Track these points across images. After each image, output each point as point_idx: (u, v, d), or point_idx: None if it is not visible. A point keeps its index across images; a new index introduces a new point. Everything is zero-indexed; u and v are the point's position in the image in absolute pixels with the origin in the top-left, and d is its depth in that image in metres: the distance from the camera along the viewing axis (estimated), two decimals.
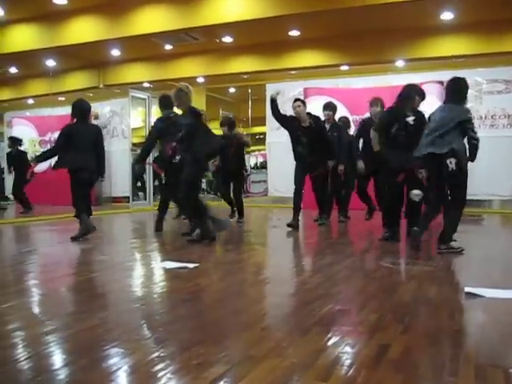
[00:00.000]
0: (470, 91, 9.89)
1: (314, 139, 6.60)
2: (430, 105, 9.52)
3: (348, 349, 2.31)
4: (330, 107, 7.48)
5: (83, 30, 9.48)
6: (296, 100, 6.75)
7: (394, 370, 2.08)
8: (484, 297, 3.18)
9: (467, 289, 3.30)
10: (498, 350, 2.33)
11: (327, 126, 7.30)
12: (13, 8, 9.29)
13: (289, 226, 6.49)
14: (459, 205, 4.96)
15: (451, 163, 4.74)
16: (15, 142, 10.66)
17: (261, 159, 19.70)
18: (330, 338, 2.45)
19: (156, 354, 2.25)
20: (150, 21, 9.00)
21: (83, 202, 5.93)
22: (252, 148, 18.46)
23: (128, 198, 11.64)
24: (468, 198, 10.04)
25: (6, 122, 14.90)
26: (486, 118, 9.97)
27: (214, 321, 2.77)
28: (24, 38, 9.94)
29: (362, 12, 8.39)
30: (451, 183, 4.92)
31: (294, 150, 6.79)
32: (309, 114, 6.71)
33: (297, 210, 6.64)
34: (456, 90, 5.27)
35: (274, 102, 6.61)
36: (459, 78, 5.37)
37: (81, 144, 5.83)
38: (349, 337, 2.47)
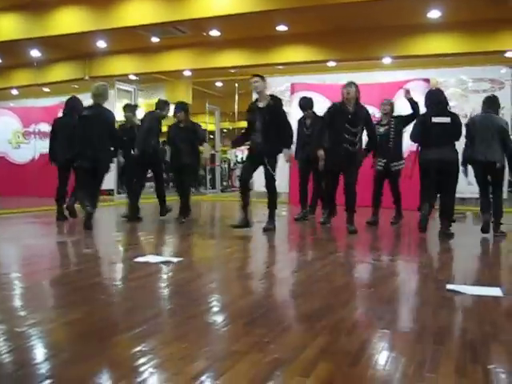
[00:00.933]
0: (455, 89, 10.12)
1: (269, 123, 5.79)
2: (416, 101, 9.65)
3: (329, 345, 2.32)
4: (305, 107, 7.30)
5: (69, 20, 9.38)
6: (253, 76, 5.96)
7: (374, 367, 2.09)
8: (466, 294, 3.22)
9: (449, 286, 3.33)
10: (479, 346, 2.35)
11: (308, 122, 7.19)
12: None
13: (235, 227, 5.93)
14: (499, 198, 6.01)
15: (498, 167, 5.72)
16: None
17: (246, 154, 19.71)
18: (312, 334, 2.46)
19: (138, 349, 2.24)
20: (137, 13, 8.94)
21: (79, 190, 6.45)
22: None
23: (112, 190, 11.57)
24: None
25: None
26: (471, 116, 10.04)
27: (196, 316, 2.77)
28: (9, 27, 9.81)
29: (349, 8, 8.41)
30: (496, 182, 5.94)
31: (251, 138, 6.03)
32: (271, 95, 6.03)
33: (244, 207, 5.98)
34: (493, 102, 6.21)
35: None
36: (493, 95, 6.65)
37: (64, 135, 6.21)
38: (330, 333, 2.48)
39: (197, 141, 7.11)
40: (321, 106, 9.96)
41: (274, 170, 5.89)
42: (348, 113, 5.98)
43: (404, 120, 6.79)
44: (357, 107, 6.04)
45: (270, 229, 5.96)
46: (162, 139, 7.93)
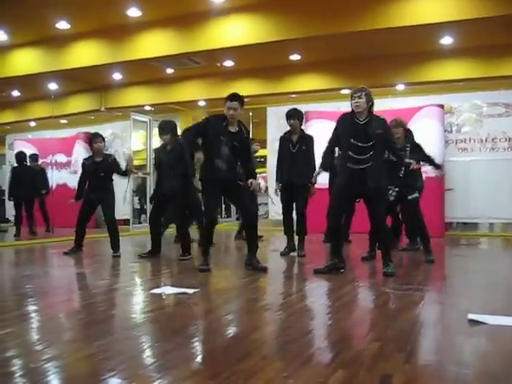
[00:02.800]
0: (469, 114, 10.09)
1: (236, 151, 5.31)
2: (431, 128, 9.64)
3: (349, 380, 2.27)
4: (293, 115, 6.53)
5: (85, 54, 9.55)
6: (233, 99, 5.27)
7: None
8: (487, 324, 3.15)
9: (470, 316, 3.26)
10: (502, 378, 2.29)
11: (294, 138, 6.50)
12: (16, 32, 9.37)
13: (201, 270, 5.30)
14: None
15: None
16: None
17: (262, 182, 19.69)
18: (331, 369, 2.41)
19: None
20: (151, 45, 9.08)
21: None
22: None
23: (128, 220, 11.62)
24: (468, 221, 10.07)
25: (7, 144, 14.97)
26: (486, 141, 10.00)
27: (213, 349, 2.74)
28: (27, 61, 10.01)
29: (361, 37, 8.46)
30: None
31: (207, 164, 5.39)
32: (241, 123, 5.44)
33: (205, 251, 5.42)
34: None
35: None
36: None
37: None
38: (350, 366, 2.42)
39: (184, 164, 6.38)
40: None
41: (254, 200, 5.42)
42: (357, 125, 5.02)
43: (421, 156, 6.15)
44: (369, 119, 5.05)
45: (251, 264, 5.41)
46: None
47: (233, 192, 5.44)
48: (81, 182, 6.88)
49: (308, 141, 6.53)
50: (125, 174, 6.82)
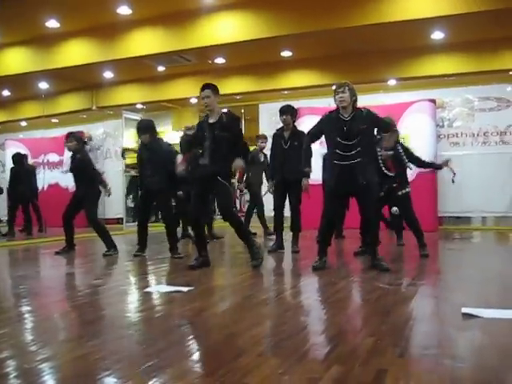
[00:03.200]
0: (461, 109, 10.13)
1: (218, 140, 5.15)
2: (423, 123, 9.67)
3: (344, 375, 2.27)
4: (286, 111, 6.48)
5: (76, 52, 9.50)
6: (204, 88, 5.20)
7: None
8: (482, 317, 3.16)
9: (464, 309, 3.27)
10: (497, 372, 2.29)
11: (286, 134, 6.46)
12: (5, 32, 9.31)
13: (191, 267, 5.31)
14: None
15: None
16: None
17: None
18: (326, 364, 2.41)
19: (150, 383, 2.21)
20: (142, 43, 9.04)
21: None
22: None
23: (121, 219, 11.60)
24: (461, 215, 10.09)
25: None
26: (478, 135, 10.05)
27: (209, 347, 2.74)
28: (17, 61, 9.94)
29: (352, 32, 8.46)
30: None
31: (193, 165, 5.45)
32: (226, 112, 5.38)
33: (197, 249, 5.46)
34: None
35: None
36: None
37: None
38: (345, 362, 2.43)
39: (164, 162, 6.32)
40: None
41: (228, 195, 5.36)
42: (343, 122, 4.97)
43: (409, 157, 6.12)
44: (354, 114, 5.00)
45: (257, 261, 5.35)
46: None
47: (214, 187, 5.27)
48: None
49: (300, 137, 6.48)
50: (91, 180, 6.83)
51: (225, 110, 5.61)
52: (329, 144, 5.09)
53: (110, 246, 6.69)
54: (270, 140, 7.54)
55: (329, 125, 5.07)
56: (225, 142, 5.15)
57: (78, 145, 6.81)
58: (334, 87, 5.24)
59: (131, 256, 6.58)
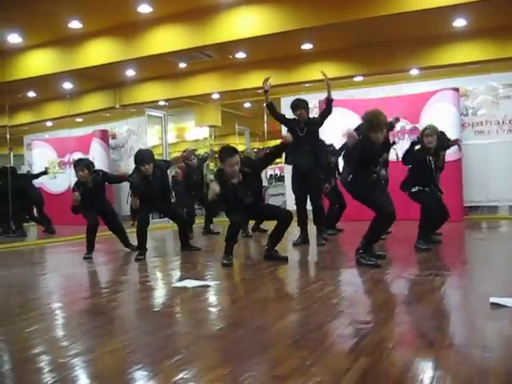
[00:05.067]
0: (485, 97, 9.98)
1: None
2: (447, 112, 9.56)
3: (372, 366, 2.28)
4: (299, 106, 6.58)
5: (98, 52, 9.60)
6: (232, 153, 5.23)
7: None
8: (510, 307, 3.13)
9: (492, 299, 3.25)
10: None
11: (302, 124, 6.48)
12: (29, 34, 9.45)
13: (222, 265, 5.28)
14: None
15: None
16: None
17: (277, 172, 19.70)
18: (354, 356, 2.43)
19: (180, 376, 2.25)
20: (163, 40, 9.09)
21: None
22: None
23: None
24: (488, 204, 9.96)
25: (25, 144, 15.13)
26: (503, 122, 9.88)
27: (237, 340, 2.77)
28: (41, 62, 10.09)
29: (373, 23, 8.38)
30: None
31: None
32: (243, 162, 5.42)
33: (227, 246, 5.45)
34: None
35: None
36: None
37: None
38: (372, 353, 2.44)
39: None
40: (350, 121, 9.94)
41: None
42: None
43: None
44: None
45: (270, 255, 5.50)
46: None
47: None
48: None
49: (315, 124, 6.60)
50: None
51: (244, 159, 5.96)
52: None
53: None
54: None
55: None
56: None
57: (90, 174, 6.57)
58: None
59: (157, 252, 6.65)
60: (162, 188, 6.58)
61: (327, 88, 6.51)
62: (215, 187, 5.15)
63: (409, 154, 6.00)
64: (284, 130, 9.54)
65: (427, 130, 5.87)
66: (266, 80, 6.54)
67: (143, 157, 6.43)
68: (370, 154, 4.85)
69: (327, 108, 6.53)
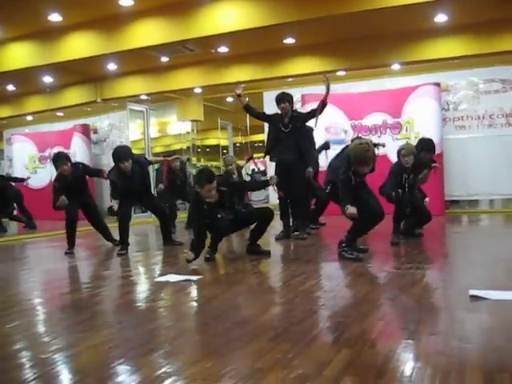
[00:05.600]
0: (466, 92, 10.08)
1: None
2: (428, 107, 9.64)
3: (354, 358, 2.30)
4: (283, 99, 6.53)
5: (79, 45, 9.49)
6: (211, 179, 4.99)
7: (400, 379, 2.07)
8: (489, 299, 3.18)
9: (472, 291, 3.30)
10: (506, 354, 2.32)
11: (286, 120, 6.46)
12: (8, 27, 9.31)
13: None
14: None
15: None
16: None
17: (261, 167, 19.72)
18: (335, 348, 2.45)
19: (163, 370, 2.25)
20: (145, 34, 9.02)
21: None
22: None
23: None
24: (469, 198, 10.08)
25: (5, 139, 14.96)
26: (483, 117, 10.00)
27: (220, 333, 2.77)
28: (20, 55, 9.95)
29: (355, 17, 8.40)
30: None
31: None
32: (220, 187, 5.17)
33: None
34: None
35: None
36: None
37: None
38: (354, 345, 2.46)
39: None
40: (332, 116, 9.99)
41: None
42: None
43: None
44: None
45: (252, 250, 5.54)
46: None
47: None
48: None
49: (300, 119, 6.56)
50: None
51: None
52: None
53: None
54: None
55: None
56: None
57: (71, 167, 6.51)
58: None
59: (139, 247, 6.63)
60: (143, 182, 6.53)
61: (326, 92, 6.42)
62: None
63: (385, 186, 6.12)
64: (266, 125, 9.55)
65: (403, 151, 5.91)
66: (239, 84, 6.60)
67: (121, 154, 6.36)
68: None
69: (319, 110, 6.41)
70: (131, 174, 6.34)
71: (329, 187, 5.24)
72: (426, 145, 6.31)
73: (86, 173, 6.82)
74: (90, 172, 7.00)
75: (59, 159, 6.48)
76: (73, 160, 6.82)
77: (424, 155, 6.09)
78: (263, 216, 5.49)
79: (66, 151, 10.62)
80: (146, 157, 9.29)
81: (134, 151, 10.72)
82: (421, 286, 3.79)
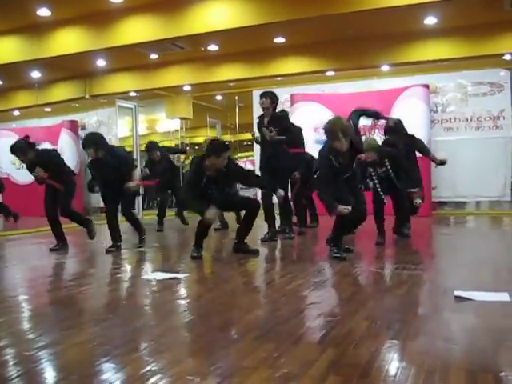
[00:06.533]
0: (454, 94, 10.14)
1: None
2: (417, 108, 9.69)
3: (339, 357, 2.31)
4: (264, 94, 6.47)
5: (68, 41, 9.43)
6: (227, 148, 5.40)
7: (384, 379, 2.08)
8: (474, 300, 3.20)
9: (457, 292, 3.32)
10: (489, 354, 2.34)
11: (266, 121, 6.39)
12: None
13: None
14: None
15: None
16: None
17: (249, 166, 19.74)
18: (321, 347, 2.46)
19: (148, 368, 2.24)
20: (134, 31, 8.99)
21: None
22: (240, 155, 18.46)
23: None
24: (456, 200, 10.12)
25: None
26: (471, 120, 10.07)
27: (206, 332, 2.77)
28: (8, 50, 9.87)
29: (345, 18, 8.43)
30: None
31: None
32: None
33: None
34: None
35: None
36: None
37: None
38: (339, 345, 2.47)
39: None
40: (321, 116, 9.99)
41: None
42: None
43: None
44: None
45: (240, 248, 5.51)
46: None
47: None
48: None
49: (279, 121, 6.38)
50: None
51: None
52: None
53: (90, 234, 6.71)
54: None
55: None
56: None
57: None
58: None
59: (127, 244, 6.60)
60: (117, 173, 6.05)
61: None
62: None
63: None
64: (256, 123, 9.56)
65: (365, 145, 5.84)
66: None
67: (84, 141, 6.12)
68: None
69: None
70: (103, 163, 6.02)
71: (318, 173, 5.16)
72: (390, 129, 6.28)
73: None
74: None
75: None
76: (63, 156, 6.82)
77: (393, 139, 6.15)
78: (249, 206, 5.46)
79: (53, 147, 10.61)
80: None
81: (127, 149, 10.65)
82: (407, 286, 3.81)
